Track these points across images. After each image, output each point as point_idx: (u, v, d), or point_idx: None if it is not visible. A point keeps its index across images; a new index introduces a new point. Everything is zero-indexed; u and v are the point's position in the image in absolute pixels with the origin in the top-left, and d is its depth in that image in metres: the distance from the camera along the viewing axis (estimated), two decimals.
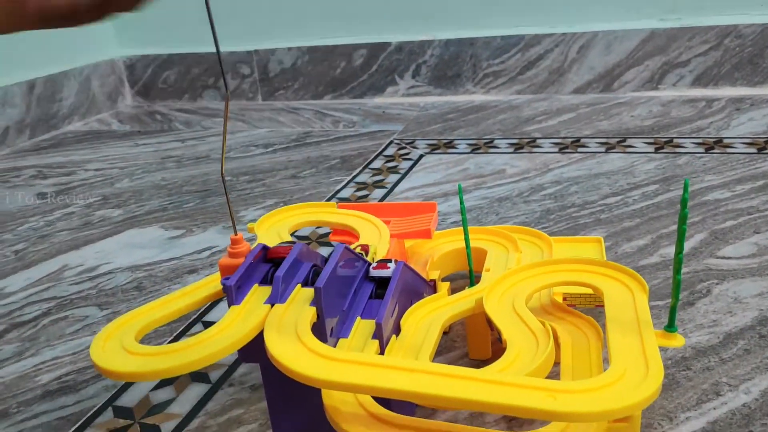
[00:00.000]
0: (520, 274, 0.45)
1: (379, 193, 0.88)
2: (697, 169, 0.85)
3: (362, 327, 0.39)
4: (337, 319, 0.39)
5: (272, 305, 0.38)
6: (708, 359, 0.48)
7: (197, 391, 0.50)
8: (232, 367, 0.53)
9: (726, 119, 1.05)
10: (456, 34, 1.34)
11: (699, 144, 0.95)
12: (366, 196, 0.87)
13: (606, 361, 0.36)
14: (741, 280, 0.58)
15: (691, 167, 0.86)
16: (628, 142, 0.99)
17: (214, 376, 0.52)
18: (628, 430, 0.37)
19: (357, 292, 0.41)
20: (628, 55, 1.24)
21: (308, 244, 0.74)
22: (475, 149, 1.02)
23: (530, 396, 0.31)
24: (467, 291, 0.46)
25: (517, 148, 1.01)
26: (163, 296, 0.42)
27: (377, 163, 1.00)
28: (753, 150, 0.90)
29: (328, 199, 0.87)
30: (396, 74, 1.39)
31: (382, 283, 0.42)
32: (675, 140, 0.97)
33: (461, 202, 0.48)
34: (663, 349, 0.48)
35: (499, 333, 0.39)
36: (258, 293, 0.40)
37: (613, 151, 0.95)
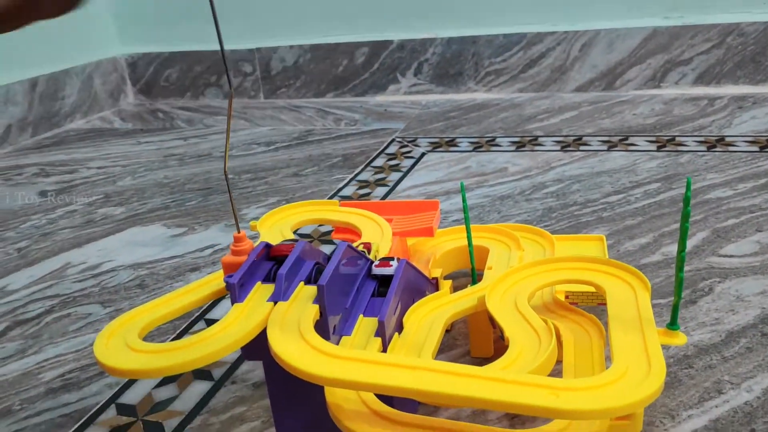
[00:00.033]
0: (522, 272, 0.45)
1: (381, 191, 0.88)
2: (699, 167, 0.85)
3: (365, 325, 0.39)
4: (340, 317, 0.39)
5: (275, 303, 0.38)
6: (710, 357, 0.48)
7: (200, 388, 0.50)
8: (235, 364, 0.53)
9: (728, 117, 1.05)
10: (458, 32, 1.33)
11: (701, 142, 0.94)
12: (368, 194, 0.87)
13: (608, 359, 0.36)
14: (743, 278, 0.58)
15: (693, 165, 0.86)
16: (630, 140, 0.99)
17: (217, 373, 0.52)
18: (630, 427, 0.37)
19: (359, 290, 0.42)
20: (630, 54, 1.24)
21: (311, 242, 0.75)
22: (477, 147, 1.02)
23: (532, 393, 0.31)
24: (469, 289, 0.46)
25: (519, 146, 1.01)
26: (166, 294, 0.42)
27: (379, 161, 1.00)
28: (755, 148, 0.90)
29: (331, 197, 0.87)
30: (398, 72, 1.39)
31: (385, 281, 0.42)
32: (677, 138, 0.97)
33: (464, 200, 0.48)
34: (665, 347, 0.48)
35: (501, 331, 0.39)
36: (261, 291, 0.40)
37: (615, 149, 0.95)
